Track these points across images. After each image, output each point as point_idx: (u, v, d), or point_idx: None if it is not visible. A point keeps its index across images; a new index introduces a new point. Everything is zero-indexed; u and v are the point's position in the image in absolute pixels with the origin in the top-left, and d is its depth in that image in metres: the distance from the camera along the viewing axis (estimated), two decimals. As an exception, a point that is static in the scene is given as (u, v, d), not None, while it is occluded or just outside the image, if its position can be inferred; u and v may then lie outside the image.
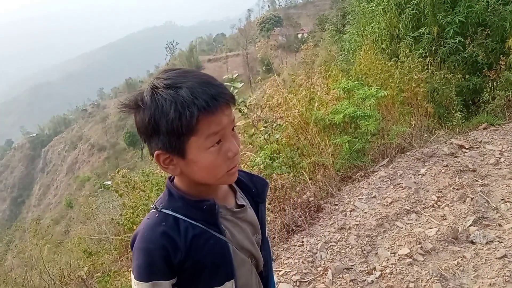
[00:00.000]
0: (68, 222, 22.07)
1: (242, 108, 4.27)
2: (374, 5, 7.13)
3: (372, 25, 7.10)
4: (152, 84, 0.97)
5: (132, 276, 1.03)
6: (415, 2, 6.23)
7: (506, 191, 3.49)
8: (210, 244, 1.04)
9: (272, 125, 4.49)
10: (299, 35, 72.21)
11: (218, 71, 75.59)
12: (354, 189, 3.93)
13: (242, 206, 1.17)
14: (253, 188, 1.23)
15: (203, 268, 1.04)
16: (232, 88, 4.17)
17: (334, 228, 3.31)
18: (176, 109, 0.92)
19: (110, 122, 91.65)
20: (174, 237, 1.01)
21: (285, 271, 2.95)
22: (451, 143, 4.57)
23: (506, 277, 2.51)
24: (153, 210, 1.07)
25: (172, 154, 0.99)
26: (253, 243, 1.19)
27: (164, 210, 1.05)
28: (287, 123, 4.67)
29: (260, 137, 4.44)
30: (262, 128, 4.38)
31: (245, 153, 4.46)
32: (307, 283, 2.83)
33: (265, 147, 4.29)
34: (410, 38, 6.31)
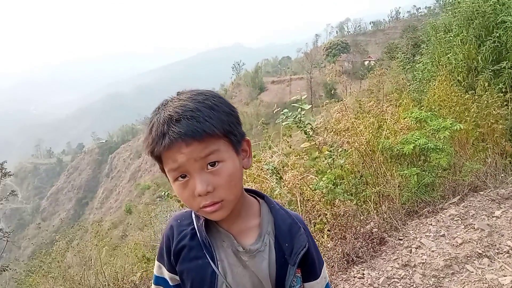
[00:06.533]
0: (126, 227, 22.93)
1: (307, 131, 4.23)
2: (451, 35, 6.87)
3: (448, 55, 6.82)
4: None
5: None
6: (497, 34, 5.91)
7: None
8: (198, 263, 0.99)
9: (337, 150, 4.39)
10: (366, 62, 71.03)
11: (281, 93, 76.38)
12: (421, 225, 3.71)
13: (254, 251, 1.00)
14: (286, 243, 1.01)
15: (187, 282, 1.01)
16: (299, 110, 4.16)
17: (398, 264, 3.13)
18: (146, 138, 0.92)
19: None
20: (174, 234, 1.03)
21: (342, 303, 2.82)
22: (531, 186, 4.21)
23: None
24: None
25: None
26: None
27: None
28: (352, 149, 4.56)
29: (324, 161, 4.36)
30: (327, 152, 4.30)
31: (309, 176, 4.38)
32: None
33: (327, 171, 4.20)
34: (490, 72, 5.96)
